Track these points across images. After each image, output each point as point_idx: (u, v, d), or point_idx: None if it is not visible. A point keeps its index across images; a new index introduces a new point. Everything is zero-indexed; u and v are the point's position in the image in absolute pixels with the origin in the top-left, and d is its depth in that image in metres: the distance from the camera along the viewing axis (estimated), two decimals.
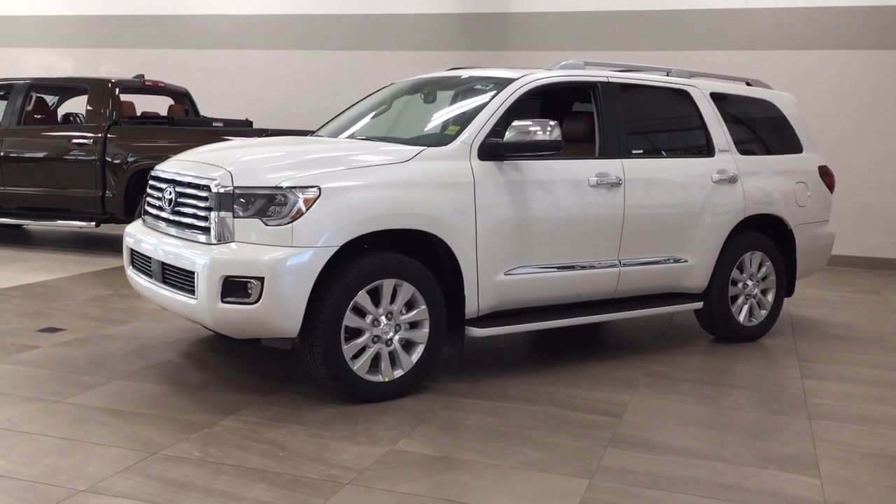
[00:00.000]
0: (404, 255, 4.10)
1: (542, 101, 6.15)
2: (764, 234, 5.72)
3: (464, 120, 4.55)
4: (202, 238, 4.01)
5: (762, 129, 6.02)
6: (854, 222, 9.42)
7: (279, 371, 4.59)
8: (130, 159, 8.09)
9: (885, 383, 4.83)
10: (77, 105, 9.60)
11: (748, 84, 6.16)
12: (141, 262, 4.50)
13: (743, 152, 5.64)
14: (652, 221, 5.05)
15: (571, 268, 4.73)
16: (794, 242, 5.85)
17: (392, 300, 4.07)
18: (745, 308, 5.63)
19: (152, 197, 4.58)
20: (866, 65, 9.41)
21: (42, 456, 3.32)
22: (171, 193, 4.29)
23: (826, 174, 6.14)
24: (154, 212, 4.51)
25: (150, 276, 4.36)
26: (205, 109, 10.67)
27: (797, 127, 6.13)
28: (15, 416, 3.73)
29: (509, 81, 4.74)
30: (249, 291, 3.79)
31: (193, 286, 3.92)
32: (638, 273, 5.03)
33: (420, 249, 4.29)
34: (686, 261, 5.24)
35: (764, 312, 5.73)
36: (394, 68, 10.38)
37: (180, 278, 4.05)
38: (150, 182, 4.64)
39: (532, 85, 4.75)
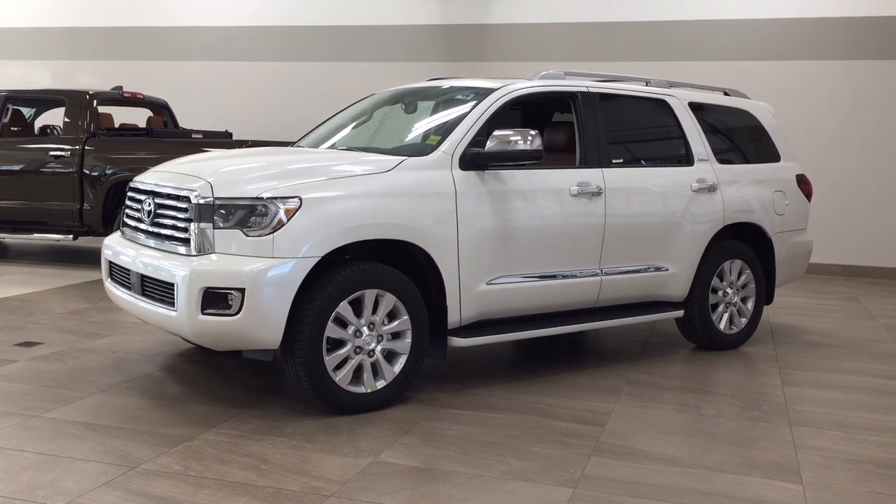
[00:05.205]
0: (386, 266, 4.09)
1: (522, 111, 6.18)
2: (743, 242, 5.77)
3: (445, 130, 4.55)
4: (182, 249, 3.98)
5: (740, 138, 6.07)
6: (832, 230, 9.53)
7: (260, 383, 4.56)
8: (109, 171, 8.03)
9: (864, 389, 4.87)
10: (54, 117, 9.54)
11: (726, 94, 6.22)
12: (120, 274, 4.45)
13: (722, 161, 5.69)
14: (632, 230, 5.08)
15: (553, 277, 4.74)
16: (772, 250, 5.90)
17: (374, 311, 4.06)
18: (726, 316, 5.66)
19: (131, 209, 4.55)
20: (842, 75, 9.54)
21: (19, 472, 3.26)
22: (150, 205, 4.26)
23: (803, 183, 6.21)
24: (133, 224, 4.47)
25: (129, 288, 4.32)
26: (184, 121, 10.62)
27: (774, 136, 6.20)
28: None
29: (490, 91, 4.75)
30: (230, 303, 3.76)
31: (173, 298, 3.88)
32: (619, 282, 5.05)
33: (402, 259, 4.28)
34: (667, 269, 5.27)
35: (744, 320, 5.77)
36: (374, 79, 10.41)
37: (160, 290, 4.02)
38: (129, 194, 4.60)
39: (513, 95, 4.77)
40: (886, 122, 9.46)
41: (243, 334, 3.79)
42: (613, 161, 5.09)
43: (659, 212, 5.22)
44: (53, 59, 12.11)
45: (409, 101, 5.33)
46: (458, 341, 4.37)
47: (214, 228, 3.87)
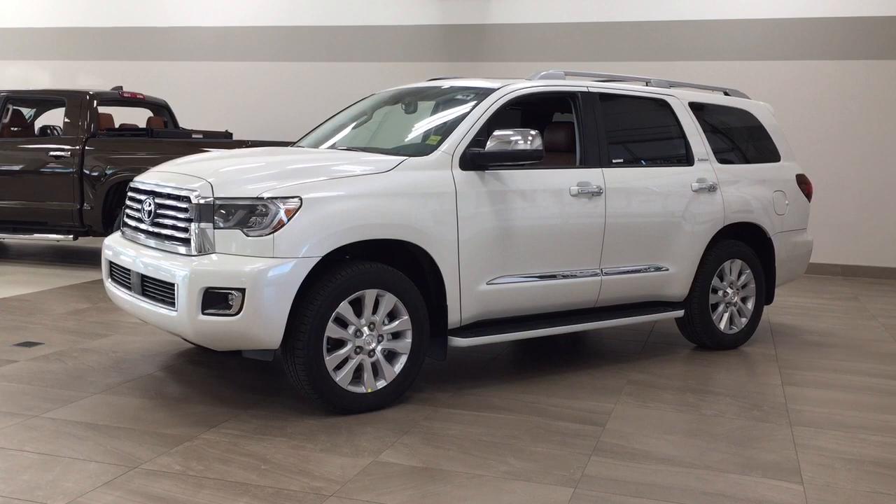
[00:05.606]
0: (386, 266, 4.09)
1: (522, 111, 6.18)
2: (743, 242, 5.77)
3: (445, 130, 4.56)
4: (182, 249, 3.98)
5: (740, 138, 6.08)
6: (831, 230, 9.53)
7: (261, 383, 4.56)
8: (109, 171, 8.03)
9: (865, 389, 4.87)
10: (54, 117, 9.54)
11: (726, 94, 6.22)
12: (120, 274, 4.46)
13: (722, 161, 5.69)
14: (633, 230, 5.08)
15: (553, 277, 4.74)
16: (772, 250, 5.90)
17: (374, 311, 4.06)
18: (726, 316, 5.66)
19: (131, 209, 4.55)
20: (842, 75, 9.54)
21: (19, 472, 3.26)
22: (150, 205, 4.26)
23: (803, 182, 6.21)
24: (133, 224, 4.47)
25: (129, 288, 4.32)
26: (184, 121, 10.63)
27: (774, 136, 6.20)
28: None
29: (490, 91, 4.75)
30: (230, 303, 3.76)
31: (173, 298, 3.88)
32: (619, 282, 5.05)
33: (402, 259, 4.29)
34: (667, 269, 5.27)
35: (744, 320, 5.77)
36: (375, 79, 10.42)
37: (160, 290, 4.02)
38: (129, 194, 4.61)
39: (513, 95, 4.77)
40: (886, 122, 9.46)
41: (243, 334, 3.80)
42: (613, 161, 5.09)
43: (659, 212, 5.22)
44: (53, 59, 12.11)
45: (409, 101, 5.33)
46: (458, 341, 4.37)
47: (215, 228, 3.87)
